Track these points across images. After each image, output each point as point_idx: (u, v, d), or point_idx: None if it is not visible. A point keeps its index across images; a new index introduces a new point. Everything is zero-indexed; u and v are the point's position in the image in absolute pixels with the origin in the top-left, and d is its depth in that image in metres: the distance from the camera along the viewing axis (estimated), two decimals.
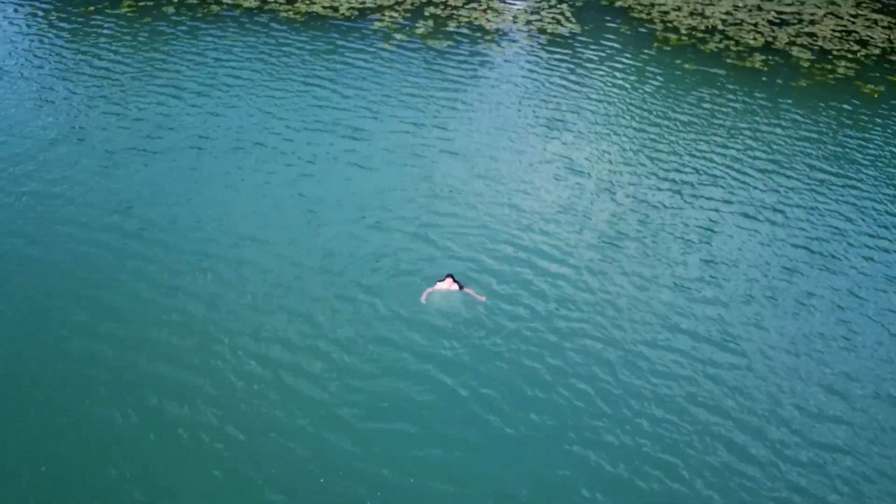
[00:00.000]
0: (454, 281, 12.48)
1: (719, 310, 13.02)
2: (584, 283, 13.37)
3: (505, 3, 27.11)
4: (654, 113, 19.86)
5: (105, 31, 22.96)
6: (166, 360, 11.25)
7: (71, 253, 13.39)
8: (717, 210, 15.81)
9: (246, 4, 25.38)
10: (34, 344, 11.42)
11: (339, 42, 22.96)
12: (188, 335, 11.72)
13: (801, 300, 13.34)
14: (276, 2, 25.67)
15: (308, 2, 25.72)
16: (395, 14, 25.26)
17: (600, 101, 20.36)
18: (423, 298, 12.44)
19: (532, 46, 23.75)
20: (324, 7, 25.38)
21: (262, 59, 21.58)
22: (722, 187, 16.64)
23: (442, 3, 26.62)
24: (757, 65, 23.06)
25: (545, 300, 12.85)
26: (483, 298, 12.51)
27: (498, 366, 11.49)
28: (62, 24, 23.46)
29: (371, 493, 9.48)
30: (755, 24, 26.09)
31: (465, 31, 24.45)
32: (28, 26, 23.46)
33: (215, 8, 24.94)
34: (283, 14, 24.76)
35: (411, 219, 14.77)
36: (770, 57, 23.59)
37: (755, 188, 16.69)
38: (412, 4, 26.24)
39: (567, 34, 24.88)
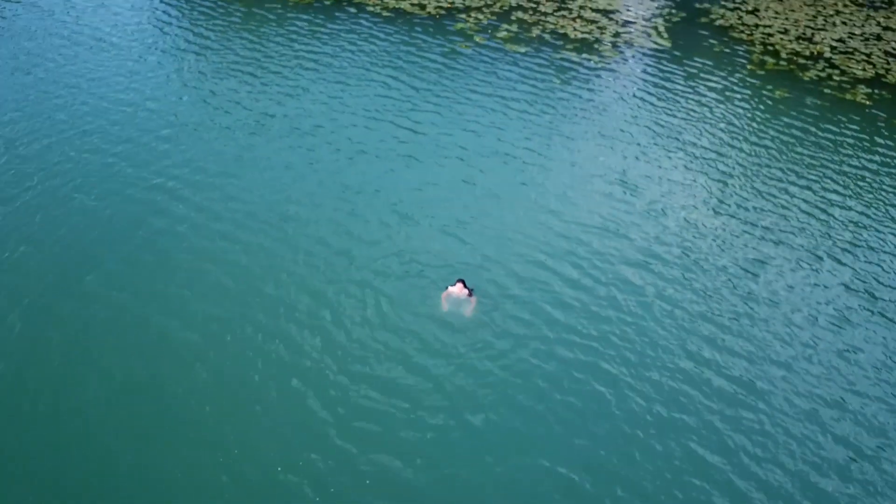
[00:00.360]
0: (464, 286, 12.16)
1: (749, 348, 11.97)
2: (611, 302, 12.67)
3: (598, 12, 26.36)
4: (732, 138, 18.61)
5: (201, 8, 24.32)
6: (174, 316, 11.68)
7: (119, 207, 14.21)
8: (776, 244, 14.56)
9: None
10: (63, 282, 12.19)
11: (418, 39, 23.12)
12: (202, 296, 12.12)
13: (844, 353, 12.03)
14: None
15: None
16: (481, 16, 25.16)
17: (675, 120, 19.33)
18: (444, 305, 12.14)
19: (614, 59, 22.94)
20: (412, 4, 25.67)
21: (340, 49, 22.08)
22: (787, 221, 15.32)
23: (531, 8, 26.28)
24: (859, 97, 21.13)
25: (566, 313, 12.31)
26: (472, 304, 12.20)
27: (502, 376, 11.11)
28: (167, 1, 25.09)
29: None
30: (868, 55, 23.95)
31: (547, 37, 23.97)
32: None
33: None
34: (371, 7, 25.26)
35: (443, 217, 14.58)
36: (876, 91, 21.56)
37: (825, 228, 15.24)
38: (501, 8, 26.06)
39: (655, 49, 23.86)
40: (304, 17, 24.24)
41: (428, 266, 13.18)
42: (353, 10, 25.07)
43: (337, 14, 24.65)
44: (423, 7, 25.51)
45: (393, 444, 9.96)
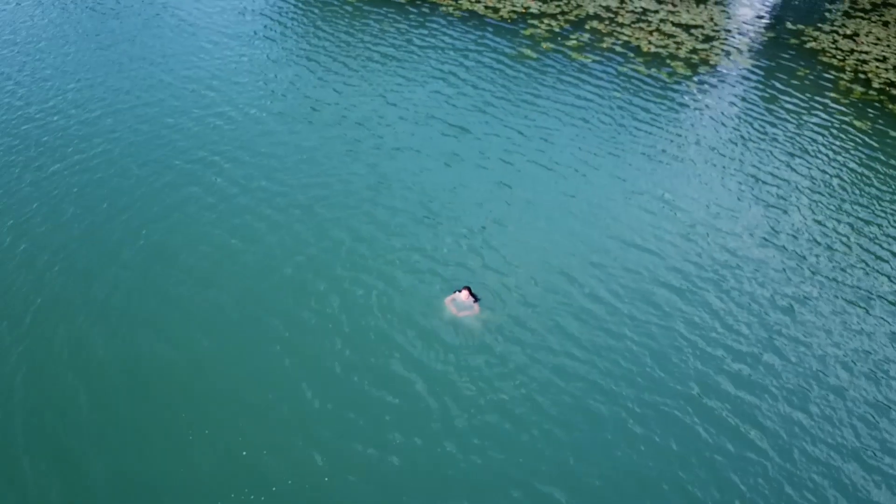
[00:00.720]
0: (470, 294, 11.87)
1: (771, 389, 11.12)
2: (631, 324, 12.10)
3: (679, 26, 25.38)
4: (798, 167, 17.40)
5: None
6: (188, 284, 12.05)
7: (162, 175, 14.83)
8: (821, 284, 13.48)
9: None
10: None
11: (485, 41, 22.97)
12: (218, 268, 12.44)
13: (878, 406, 10.95)
14: None
15: (474, 0, 26.06)
16: (554, 23, 24.74)
17: (739, 143, 18.29)
18: (452, 310, 11.89)
19: (685, 75, 21.97)
20: (486, 7, 25.57)
21: (405, 45, 22.24)
22: (839, 262, 14.15)
23: (608, 18, 25.62)
24: None
25: (579, 328, 11.88)
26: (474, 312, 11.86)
27: (491, 385, 10.83)
28: None
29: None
30: None
31: (618, 49, 23.28)
32: None
33: None
34: (444, 7, 25.33)
35: (472, 219, 14.37)
36: None
37: (881, 275, 13.97)
38: (576, 16, 25.55)
39: (733, 68, 22.71)
40: (378, 11, 24.59)
41: (445, 266, 13.02)
42: (426, 9, 25.22)
43: (410, 10, 24.87)
44: (496, 11, 25.35)
45: (379, 440, 9.87)
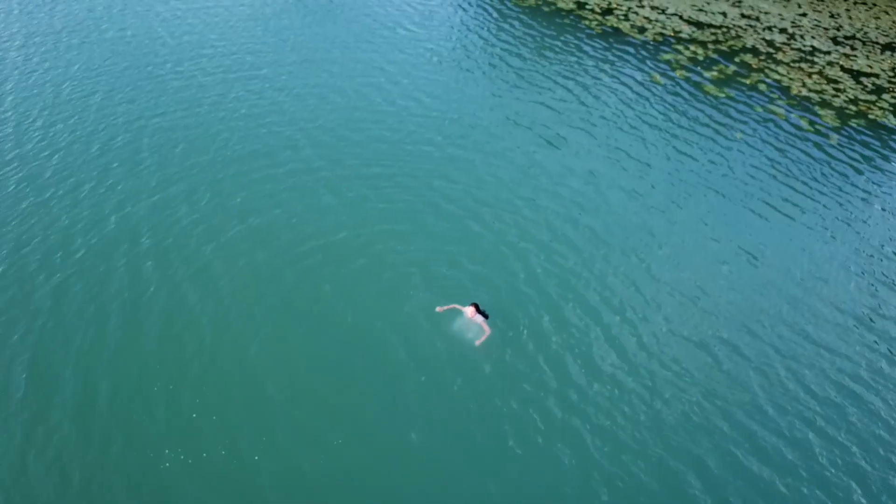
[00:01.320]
0: (477, 311, 11.51)
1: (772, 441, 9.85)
2: (650, 385, 11.30)
3: (848, 72, 22.70)
4: None
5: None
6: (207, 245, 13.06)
7: (242, 142, 16.13)
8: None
9: (561, 4, 25.97)
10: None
11: (617, 60, 22.15)
12: (249, 236, 13.32)
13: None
14: (591, 9, 25.72)
15: (622, 17, 25.19)
16: (701, 51, 23.22)
17: (869, 221, 16.10)
18: (440, 308, 11.75)
19: (831, 126, 19.61)
20: (631, 26, 24.60)
21: (537, 52, 22.09)
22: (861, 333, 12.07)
23: (765, 53, 23.56)
24: None
25: (585, 370, 11.31)
26: (480, 340, 11.39)
27: (480, 409, 10.67)
28: None
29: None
30: None
31: (762, 87, 21.33)
32: None
33: (531, 1, 26.10)
34: (586, 21, 24.74)
35: (523, 238, 14.08)
36: None
37: None
38: (729, 47, 23.78)
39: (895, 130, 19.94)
40: (520, 19, 24.62)
41: (471, 277, 12.90)
42: (567, 20, 24.81)
43: (556, 21, 24.62)
44: (642, 30, 24.31)
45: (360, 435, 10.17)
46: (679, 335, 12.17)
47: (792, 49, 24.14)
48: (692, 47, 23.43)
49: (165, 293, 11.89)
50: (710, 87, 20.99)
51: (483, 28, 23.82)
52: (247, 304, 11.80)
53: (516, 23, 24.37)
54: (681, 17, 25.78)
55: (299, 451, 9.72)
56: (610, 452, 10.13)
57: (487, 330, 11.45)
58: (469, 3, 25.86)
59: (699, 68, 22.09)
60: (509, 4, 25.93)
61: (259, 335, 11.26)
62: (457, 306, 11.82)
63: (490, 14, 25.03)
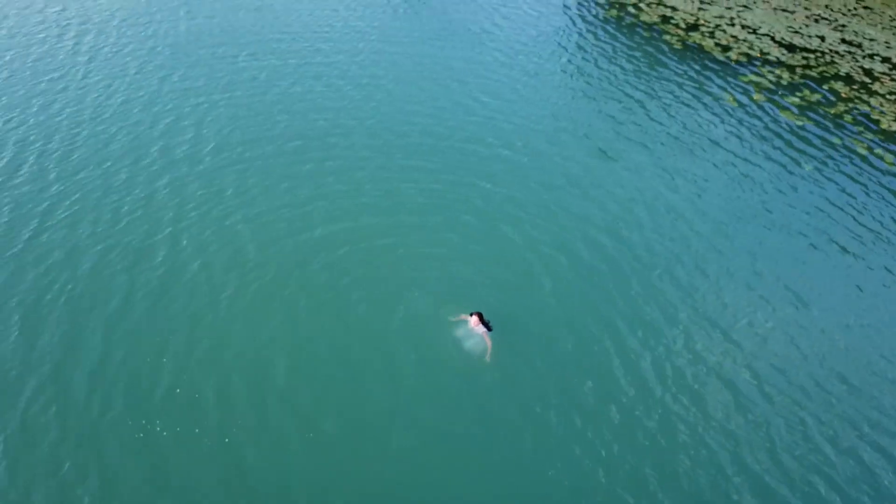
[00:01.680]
0: (481, 321, 11.22)
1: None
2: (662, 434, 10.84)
3: None
4: None
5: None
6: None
7: (307, 123, 16.60)
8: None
9: (645, 17, 25.25)
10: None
11: (694, 77, 21.29)
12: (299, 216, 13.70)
13: None
14: (675, 24, 24.85)
15: (707, 34, 24.20)
16: (786, 75, 21.96)
17: None
18: (455, 317, 11.54)
19: None
20: (716, 44, 23.58)
21: (609, 63, 21.60)
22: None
23: (861, 83, 22.00)
24: None
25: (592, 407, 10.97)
26: (487, 357, 11.06)
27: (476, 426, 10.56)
28: None
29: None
30: None
31: (847, 119, 19.92)
32: None
33: (614, 12, 25.52)
34: (668, 36, 23.92)
35: (541, 241, 13.78)
36: None
37: None
38: (819, 73, 22.36)
39: None
40: (601, 27, 24.14)
41: (490, 280, 12.75)
42: (648, 33, 24.08)
43: (637, 32, 23.99)
44: (725, 49, 23.25)
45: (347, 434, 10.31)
46: (705, 368, 11.58)
47: (892, 80, 22.44)
48: (778, 70, 22.20)
49: (195, 267, 12.42)
50: (790, 114, 19.82)
51: (560, 34, 23.50)
52: (267, 286, 12.16)
53: (595, 32, 23.89)
54: (772, 39, 24.49)
55: (291, 437, 9.87)
56: (606, 481, 9.77)
57: (489, 342, 11.17)
58: (553, 9, 25.55)
59: (781, 93, 20.90)
60: (591, 13, 25.45)
61: (274, 320, 11.53)
62: (464, 316, 11.54)
63: (571, 21, 24.65)
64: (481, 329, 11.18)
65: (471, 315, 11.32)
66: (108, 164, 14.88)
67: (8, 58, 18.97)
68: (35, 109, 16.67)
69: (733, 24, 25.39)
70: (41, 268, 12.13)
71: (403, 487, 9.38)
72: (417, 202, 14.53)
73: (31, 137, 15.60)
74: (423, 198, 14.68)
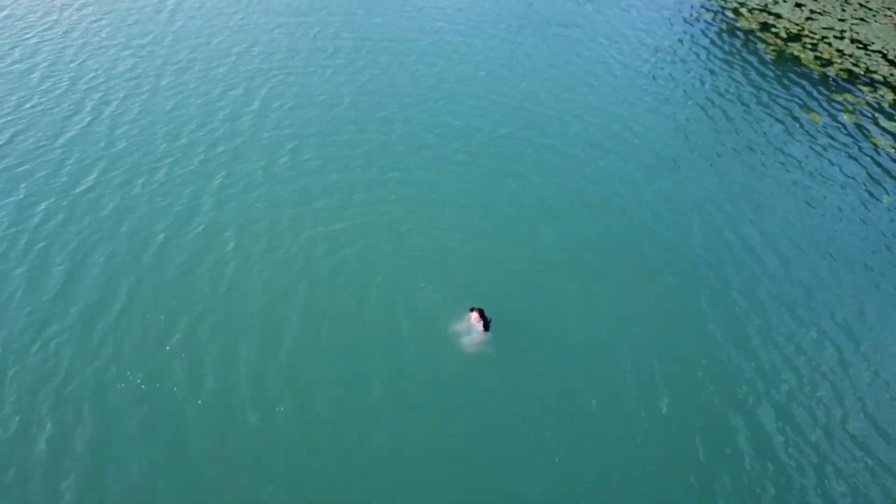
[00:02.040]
0: (481, 317, 11.17)
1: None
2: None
3: None
4: None
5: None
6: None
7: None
8: None
9: (742, 23, 23.80)
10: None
11: (782, 91, 19.98)
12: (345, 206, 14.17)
13: None
14: (775, 32, 23.29)
15: (809, 47, 22.50)
16: (891, 96, 20.16)
17: None
18: (459, 321, 11.51)
19: None
20: (815, 57, 21.90)
21: (694, 66, 20.73)
22: None
23: None
24: None
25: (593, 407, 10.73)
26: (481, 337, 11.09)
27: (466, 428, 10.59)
28: None
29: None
30: None
31: None
32: None
33: (710, 15, 24.23)
34: (764, 45, 22.49)
35: (579, 249, 13.46)
36: None
37: None
38: None
39: None
40: (691, 31, 23.15)
41: (508, 277, 12.66)
42: (743, 39, 22.79)
43: (731, 38, 22.80)
44: (826, 64, 21.57)
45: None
46: (732, 398, 10.99)
47: None
48: (881, 90, 20.37)
49: (228, 235, 13.08)
50: (880, 139, 18.18)
51: (647, 32, 22.60)
52: (293, 259, 12.67)
53: (686, 34, 22.86)
54: (884, 56, 22.45)
55: (286, 411, 10.25)
56: (606, 482, 9.55)
57: (481, 337, 11.15)
58: (644, 6, 24.54)
59: (877, 115, 19.20)
60: (685, 14, 24.24)
61: (290, 296, 12.01)
62: (475, 315, 11.44)
63: (662, 21, 23.61)
64: (479, 327, 11.13)
65: (471, 311, 11.25)
66: (158, 127, 15.91)
67: (105, 21, 20.67)
68: (120, 70, 18.07)
69: (842, 38, 23.47)
70: (87, 220, 13.16)
71: (394, 465, 9.63)
72: (444, 192, 14.53)
73: (111, 97, 16.93)
74: (450, 188, 14.69)
